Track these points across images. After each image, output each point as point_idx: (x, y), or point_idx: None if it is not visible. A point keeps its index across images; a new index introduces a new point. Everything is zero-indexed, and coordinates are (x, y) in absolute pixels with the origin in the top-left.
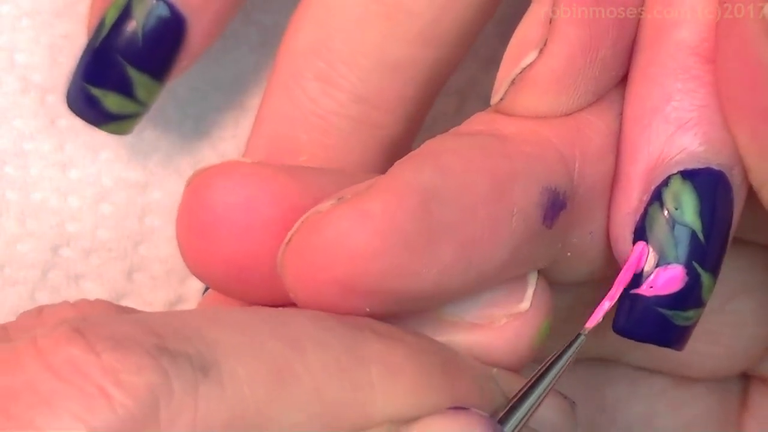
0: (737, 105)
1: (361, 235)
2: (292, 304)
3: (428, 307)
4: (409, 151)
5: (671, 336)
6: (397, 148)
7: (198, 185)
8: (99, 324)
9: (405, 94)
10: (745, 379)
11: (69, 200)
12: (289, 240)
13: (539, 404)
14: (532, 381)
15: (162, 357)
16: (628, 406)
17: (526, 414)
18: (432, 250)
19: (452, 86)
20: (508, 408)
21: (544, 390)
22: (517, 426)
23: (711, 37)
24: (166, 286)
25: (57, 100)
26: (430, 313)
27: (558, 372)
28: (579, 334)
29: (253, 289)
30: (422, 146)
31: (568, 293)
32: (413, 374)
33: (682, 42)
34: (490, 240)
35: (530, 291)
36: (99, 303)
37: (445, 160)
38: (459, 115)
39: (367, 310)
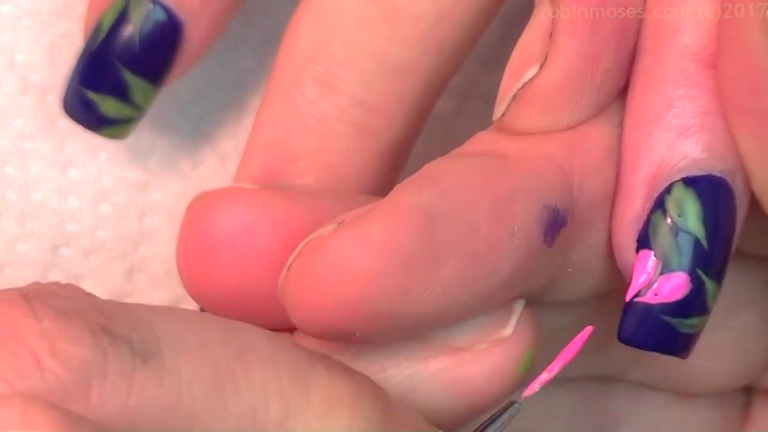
0: (738, 108)
1: (362, 257)
2: (293, 329)
3: (430, 329)
4: (409, 156)
5: (676, 344)
6: (398, 152)
7: (198, 210)
8: (49, 294)
9: (405, 98)
10: (748, 391)
11: (69, 200)
12: (290, 265)
13: None
14: None
15: (104, 336)
16: (629, 422)
17: None
18: (434, 271)
19: (453, 86)
20: None
21: None
22: None
23: (712, 42)
24: (166, 286)
25: (57, 100)
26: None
27: None
28: (513, 402)
29: (253, 314)
30: (423, 169)
31: (570, 313)
32: (352, 413)
33: (684, 48)
34: (492, 259)
35: (514, 319)
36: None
37: (446, 181)
38: (459, 116)
39: (358, 335)
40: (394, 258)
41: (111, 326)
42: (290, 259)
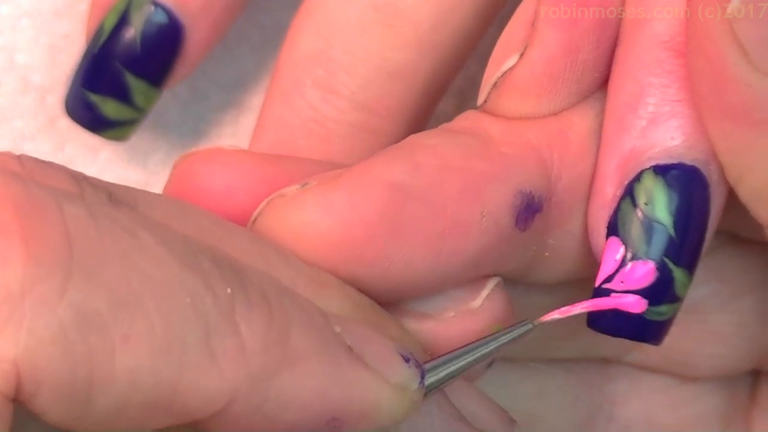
0: (705, 103)
1: (323, 223)
2: None
3: (393, 299)
4: None
5: (645, 331)
6: None
7: (182, 170)
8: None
9: (405, 101)
10: (754, 374)
11: None
12: (254, 220)
13: (464, 369)
14: (468, 348)
15: (83, 181)
16: (626, 403)
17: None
18: (398, 244)
19: (453, 86)
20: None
21: (474, 360)
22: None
23: (684, 31)
24: None
25: (57, 100)
26: None
27: (493, 348)
28: (527, 321)
29: None
30: (404, 140)
31: (562, 293)
32: (341, 293)
33: (656, 36)
34: (459, 239)
35: (485, 293)
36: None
37: (420, 157)
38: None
39: None
40: (355, 228)
41: (92, 180)
42: (254, 214)
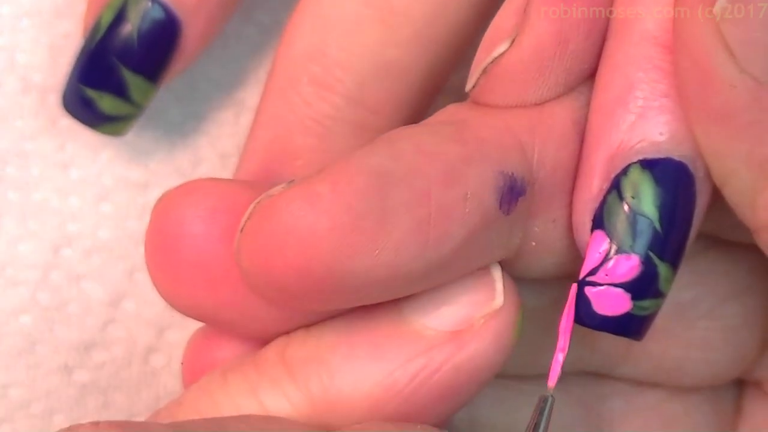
0: (690, 105)
1: (311, 216)
2: (261, 317)
3: (389, 296)
4: None
5: (627, 325)
6: None
7: (160, 207)
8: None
9: (401, 97)
10: (739, 385)
11: (70, 200)
12: (243, 227)
13: None
14: None
15: None
16: (623, 422)
17: None
18: (384, 232)
19: (452, 85)
20: None
21: None
22: None
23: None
24: None
25: (58, 100)
26: (406, 327)
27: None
28: (547, 397)
29: (221, 307)
30: (382, 135)
31: (542, 295)
32: None
33: (646, 32)
34: (445, 223)
35: (500, 286)
36: None
37: (398, 145)
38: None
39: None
40: (343, 216)
41: None
42: (242, 221)
